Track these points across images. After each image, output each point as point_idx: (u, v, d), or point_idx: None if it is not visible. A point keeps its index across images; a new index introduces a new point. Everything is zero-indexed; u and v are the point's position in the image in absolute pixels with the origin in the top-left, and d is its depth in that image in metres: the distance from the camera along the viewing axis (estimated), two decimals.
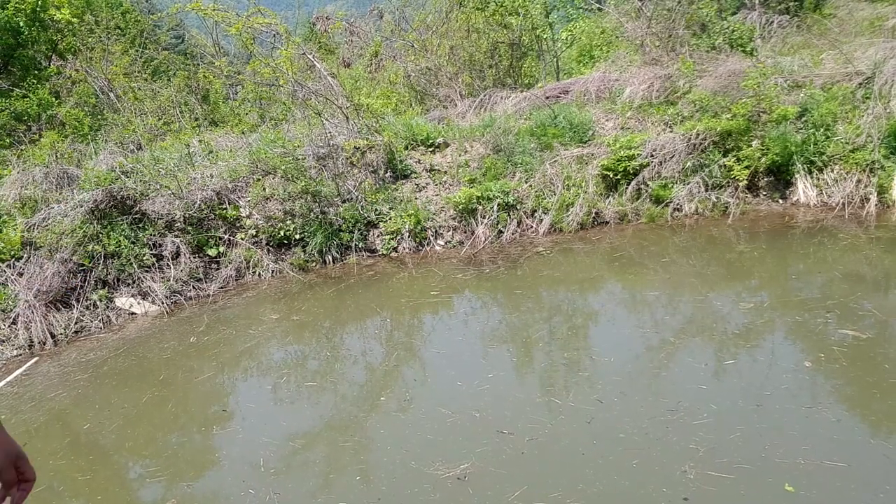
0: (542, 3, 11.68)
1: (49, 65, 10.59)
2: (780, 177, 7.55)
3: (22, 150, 8.22)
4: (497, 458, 3.23)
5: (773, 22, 9.52)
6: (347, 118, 8.11)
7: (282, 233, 7.07)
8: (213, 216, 7.11)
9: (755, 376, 3.80)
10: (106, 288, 6.28)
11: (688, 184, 7.42)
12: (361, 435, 3.68)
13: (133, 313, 6.23)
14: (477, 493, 2.99)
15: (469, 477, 3.10)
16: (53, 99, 9.49)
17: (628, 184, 7.57)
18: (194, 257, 6.75)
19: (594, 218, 7.45)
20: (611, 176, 7.60)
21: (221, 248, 6.95)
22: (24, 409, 4.54)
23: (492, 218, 7.29)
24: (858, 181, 6.99)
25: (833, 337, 4.15)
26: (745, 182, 7.34)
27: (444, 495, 3.00)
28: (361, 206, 7.35)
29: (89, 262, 6.25)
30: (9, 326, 5.74)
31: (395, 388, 4.25)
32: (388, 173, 7.88)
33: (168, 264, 6.58)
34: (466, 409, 3.72)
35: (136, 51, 11.44)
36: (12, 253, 6.20)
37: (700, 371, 3.93)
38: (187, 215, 6.90)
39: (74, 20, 10.08)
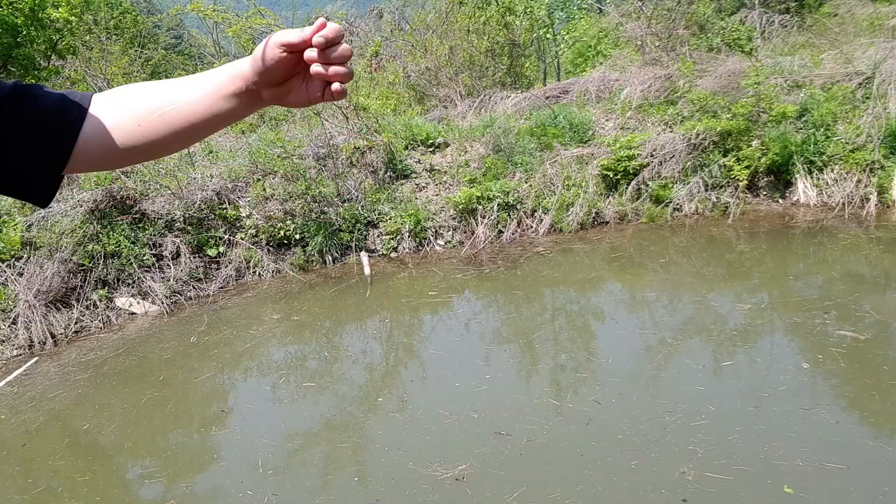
0: (545, 4, 11.68)
1: (48, 64, 10.59)
2: (780, 177, 7.55)
3: None
4: (495, 459, 3.23)
5: (773, 21, 9.50)
6: (347, 118, 8.11)
7: (282, 233, 7.07)
8: (213, 216, 7.11)
9: (753, 377, 3.80)
10: (106, 288, 6.28)
11: (688, 184, 7.42)
12: (359, 436, 3.68)
13: (133, 313, 6.23)
14: (475, 494, 2.99)
15: (467, 478, 3.10)
16: None
17: (628, 184, 7.57)
18: (194, 257, 6.76)
19: (594, 218, 7.45)
20: (611, 176, 7.60)
21: (221, 248, 6.96)
22: (24, 409, 4.54)
23: (492, 218, 7.29)
24: (858, 181, 6.99)
25: (832, 338, 4.15)
26: (745, 182, 7.34)
27: (443, 496, 3.00)
28: (361, 206, 7.35)
29: (89, 262, 6.25)
30: (9, 326, 5.74)
31: (394, 389, 4.25)
32: (388, 173, 7.88)
33: (168, 264, 6.58)
34: (464, 410, 3.72)
35: (136, 51, 11.43)
36: (12, 253, 6.20)
37: (698, 372, 3.93)
38: (187, 215, 6.91)
39: (73, 19, 10.07)
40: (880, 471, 2.87)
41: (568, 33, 13.00)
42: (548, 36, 12.16)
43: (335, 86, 0.77)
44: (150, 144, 0.81)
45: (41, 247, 6.24)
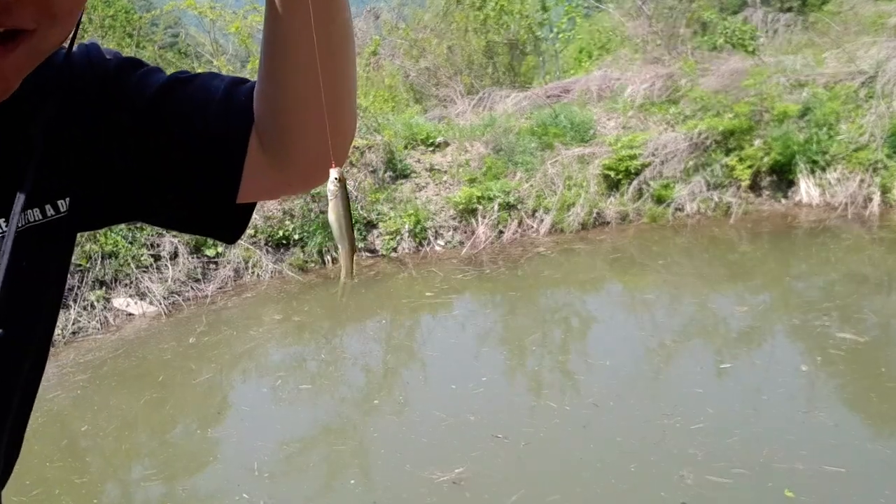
0: (540, 2, 11.65)
1: None
2: (782, 176, 7.50)
3: None
4: (493, 462, 3.21)
5: (776, 20, 9.46)
6: None
7: (280, 233, 7.06)
8: None
9: (753, 379, 3.77)
10: (104, 288, 6.27)
11: (690, 183, 7.38)
12: (356, 438, 3.66)
13: (131, 314, 6.22)
14: (474, 497, 2.98)
15: (465, 481, 3.08)
16: None
17: (630, 183, 7.53)
18: (192, 257, 6.74)
19: (595, 218, 7.41)
20: (612, 175, 7.56)
21: (220, 249, 6.93)
22: None
23: (492, 218, 7.26)
24: (861, 181, 6.94)
25: (831, 340, 4.11)
26: (748, 182, 7.30)
27: (440, 499, 2.98)
28: (361, 206, 7.33)
29: (86, 263, 6.24)
30: None
31: (391, 391, 4.24)
32: (388, 173, 7.86)
33: (166, 265, 6.56)
34: (462, 412, 3.70)
35: (131, 49, 11.41)
36: None
37: (697, 374, 3.90)
38: None
39: None
40: (880, 473, 2.85)
41: (565, 32, 12.95)
42: (542, 36, 12.12)
43: None
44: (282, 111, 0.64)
45: None
